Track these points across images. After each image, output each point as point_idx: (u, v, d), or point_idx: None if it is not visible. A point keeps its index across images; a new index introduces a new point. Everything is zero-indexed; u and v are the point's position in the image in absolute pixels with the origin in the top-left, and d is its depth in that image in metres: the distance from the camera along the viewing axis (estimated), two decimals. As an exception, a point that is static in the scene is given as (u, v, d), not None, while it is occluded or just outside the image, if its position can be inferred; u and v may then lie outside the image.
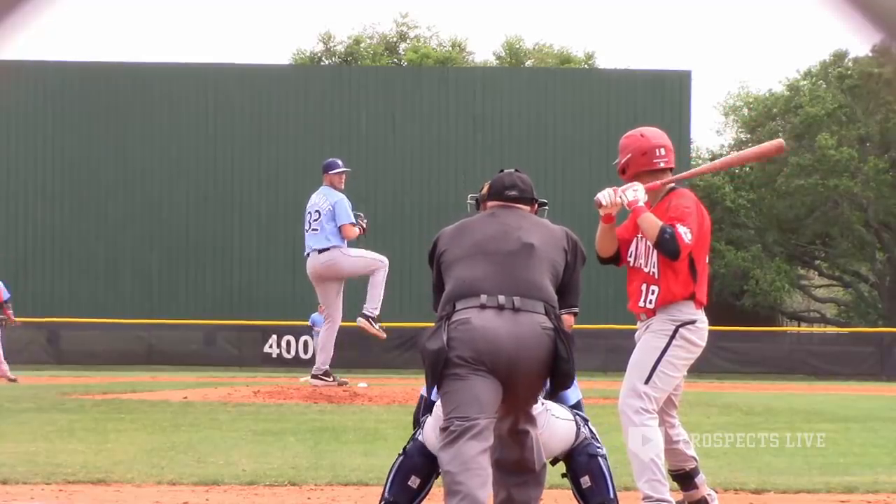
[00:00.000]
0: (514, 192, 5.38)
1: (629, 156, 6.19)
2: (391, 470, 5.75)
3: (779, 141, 6.67)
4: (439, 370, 5.00)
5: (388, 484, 5.72)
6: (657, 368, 5.94)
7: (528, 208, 5.41)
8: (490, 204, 5.45)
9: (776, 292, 39.45)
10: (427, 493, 5.73)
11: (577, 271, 5.35)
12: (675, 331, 5.97)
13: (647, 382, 5.93)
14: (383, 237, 33.30)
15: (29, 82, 34.51)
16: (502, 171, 5.53)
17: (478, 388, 5.00)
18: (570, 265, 5.28)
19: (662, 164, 6.16)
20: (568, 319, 5.27)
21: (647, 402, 5.92)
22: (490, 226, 5.27)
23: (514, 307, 5.02)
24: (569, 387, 5.20)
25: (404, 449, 5.79)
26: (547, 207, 5.69)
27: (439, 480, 5.72)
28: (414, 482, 5.68)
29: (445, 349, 4.97)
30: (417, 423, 5.93)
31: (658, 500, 5.85)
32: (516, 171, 5.52)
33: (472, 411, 4.99)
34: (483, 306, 5.02)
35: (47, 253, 34.67)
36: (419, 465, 5.68)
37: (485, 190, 5.59)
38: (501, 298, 5.03)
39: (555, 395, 5.29)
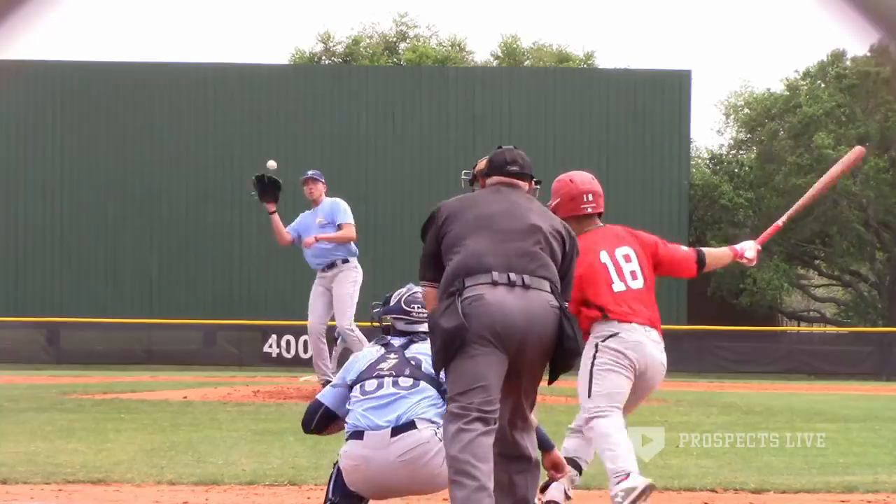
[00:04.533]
0: (514, 168, 5.39)
1: (558, 200, 6.56)
2: (332, 475, 5.78)
3: (858, 148, 7.10)
4: (455, 348, 4.99)
5: (332, 486, 5.75)
6: (592, 380, 6.26)
7: (526, 185, 5.42)
8: (490, 180, 5.43)
9: (774, 291, 39.42)
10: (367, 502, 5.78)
11: (573, 265, 5.36)
12: (596, 346, 6.31)
13: (589, 396, 6.27)
14: (383, 236, 33.31)
15: (29, 82, 34.50)
16: (500, 147, 5.53)
17: (488, 367, 4.99)
18: (568, 257, 5.31)
19: (590, 210, 6.58)
20: None
21: (593, 405, 6.24)
22: (497, 202, 5.27)
23: (523, 284, 5.05)
24: (572, 366, 5.22)
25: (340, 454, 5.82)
26: (539, 187, 5.66)
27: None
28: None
29: (465, 327, 4.95)
30: (308, 428, 5.96)
31: (621, 471, 6.03)
32: (515, 147, 5.52)
33: (482, 396, 4.98)
34: (495, 283, 5.03)
35: (47, 253, 34.67)
36: None
37: (481, 165, 5.58)
38: (512, 275, 5.05)
39: (556, 377, 5.27)
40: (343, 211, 13.30)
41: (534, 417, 5.60)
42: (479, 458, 4.94)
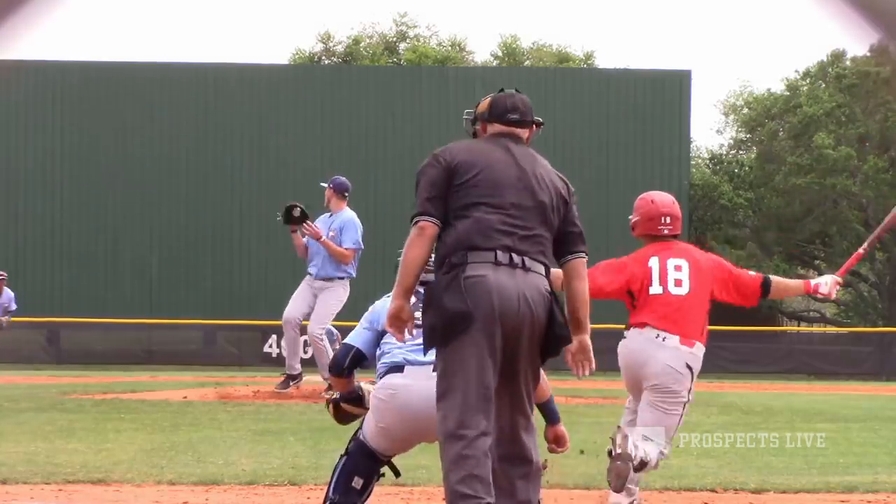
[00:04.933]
0: (515, 116, 5.24)
1: (637, 218, 6.99)
2: (334, 470, 5.77)
3: None
4: (456, 333, 4.89)
5: (332, 485, 5.74)
6: None
7: (527, 132, 5.28)
8: (492, 128, 5.26)
9: (774, 291, 39.45)
10: (370, 493, 5.76)
11: (576, 215, 5.24)
12: None
13: None
14: (382, 237, 33.32)
15: (29, 82, 34.50)
16: (502, 90, 5.38)
17: (484, 358, 4.90)
18: (569, 213, 5.20)
19: (666, 232, 6.94)
20: (580, 264, 5.18)
21: None
22: (507, 166, 5.11)
23: (523, 266, 4.98)
24: (559, 354, 5.12)
25: (347, 449, 5.80)
26: (541, 129, 5.49)
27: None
28: (357, 483, 5.71)
29: (470, 313, 4.86)
30: (340, 368, 5.88)
31: None
32: (517, 91, 5.37)
33: (479, 398, 4.88)
34: (497, 263, 4.94)
35: (47, 252, 34.66)
36: (361, 466, 5.70)
37: (483, 106, 5.35)
38: (514, 257, 4.96)
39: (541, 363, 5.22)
40: (349, 234, 13.67)
41: (546, 387, 5.53)
42: (481, 486, 4.84)
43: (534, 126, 5.35)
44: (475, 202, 5.05)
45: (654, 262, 6.84)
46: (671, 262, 6.82)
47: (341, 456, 5.80)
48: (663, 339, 6.73)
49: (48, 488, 7.49)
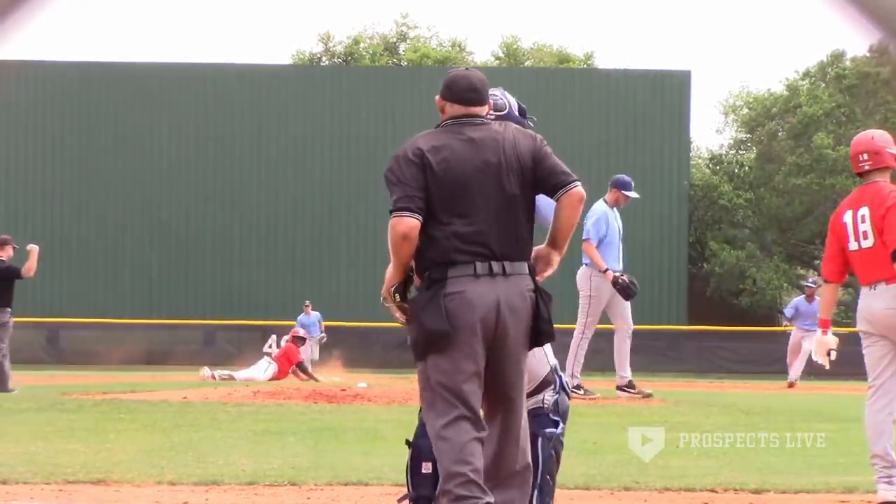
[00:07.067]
0: (473, 95, 5.17)
1: (850, 160, 7.44)
2: (406, 467, 5.74)
3: None
4: (434, 349, 4.94)
5: (408, 481, 5.71)
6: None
7: (486, 108, 5.23)
8: (452, 109, 5.19)
9: (774, 291, 39.43)
10: None
11: (551, 158, 5.17)
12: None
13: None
14: (383, 238, 33.34)
15: (29, 82, 34.51)
16: (457, 71, 5.32)
17: (465, 374, 4.92)
18: (546, 162, 5.14)
19: (866, 167, 7.24)
20: (573, 193, 5.07)
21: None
22: (472, 160, 5.06)
23: (504, 272, 4.98)
24: (542, 344, 5.13)
25: (407, 441, 5.79)
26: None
27: None
28: (427, 468, 5.66)
29: (449, 332, 4.90)
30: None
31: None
32: (467, 68, 5.35)
33: (466, 416, 4.91)
34: (477, 275, 4.95)
35: (47, 253, 34.45)
36: (423, 449, 5.66)
37: (443, 84, 5.27)
38: (494, 265, 4.96)
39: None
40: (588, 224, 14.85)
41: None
42: (477, 488, 4.89)
43: (490, 102, 5.33)
44: (450, 215, 5.02)
45: (848, 217, 7.28)
46: (859, 213, 7.22)
47: (408, 450, 5.77)
48: (874, 289, 7.18)
49: (48, 488, 7.49)
